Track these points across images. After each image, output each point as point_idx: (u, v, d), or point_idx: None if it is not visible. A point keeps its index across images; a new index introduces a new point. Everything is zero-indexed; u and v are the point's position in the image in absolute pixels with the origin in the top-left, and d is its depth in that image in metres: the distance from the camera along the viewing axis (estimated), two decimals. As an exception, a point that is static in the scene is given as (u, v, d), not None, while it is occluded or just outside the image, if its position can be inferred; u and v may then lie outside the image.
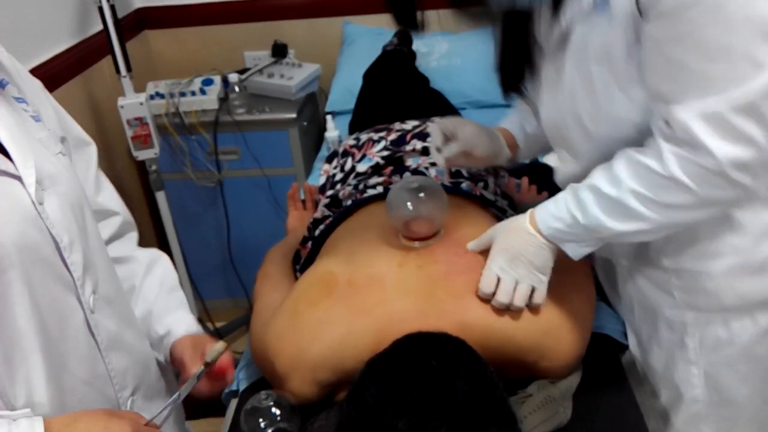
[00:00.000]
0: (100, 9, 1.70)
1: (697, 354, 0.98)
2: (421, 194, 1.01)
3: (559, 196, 0.94)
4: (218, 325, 2.44)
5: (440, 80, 2.08)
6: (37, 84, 0.90)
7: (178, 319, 1.00)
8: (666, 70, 0.79)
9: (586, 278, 1.11)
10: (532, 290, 0.95)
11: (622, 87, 0.86)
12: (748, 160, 0.77)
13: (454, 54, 2.20)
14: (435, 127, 1.12)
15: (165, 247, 2.21)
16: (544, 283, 0.96)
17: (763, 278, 0.91)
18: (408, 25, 1.01)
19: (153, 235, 2.37)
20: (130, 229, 1.05)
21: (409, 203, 1.01)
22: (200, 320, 2.16)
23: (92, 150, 0.99)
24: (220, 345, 0.94)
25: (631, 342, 1.14)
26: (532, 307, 0.96)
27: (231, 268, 2.38)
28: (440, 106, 1.84)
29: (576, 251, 0.94)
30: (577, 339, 0.99)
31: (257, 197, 2.27)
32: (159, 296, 1.02)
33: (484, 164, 1.17)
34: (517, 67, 1.02)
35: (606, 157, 0.90)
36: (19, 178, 0.73)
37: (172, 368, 1.01)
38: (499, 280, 0.95)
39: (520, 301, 0.94)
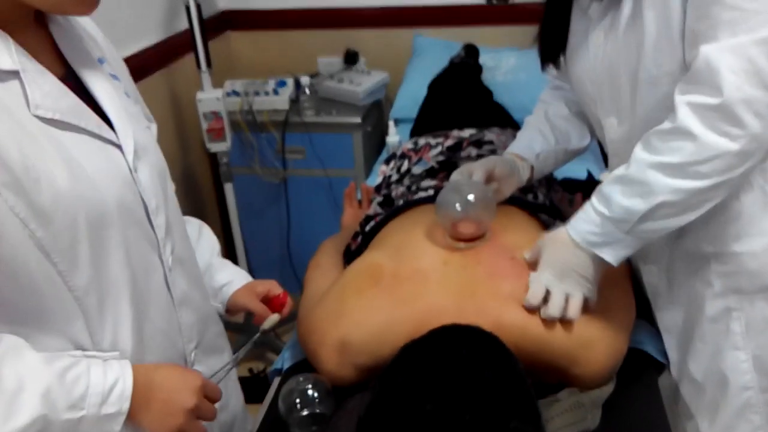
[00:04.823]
0: (187, 8, 1.83)
1: (744, 338, 0.99)
2: (470, 197, 1.06)
3: (588, 202, 0.97)
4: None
5: (505, 94, 2.11)
6: (123, 64, 1.01)
7: (236, 272, 1.15)
8: (704, 6, 0.82)
9: (626, 293, 1.12)
10: (585, 300, 0.98)
11: (670, 36, 0.88)
12: (759, 102, 0.79)
13: (521, 69, 2.23)
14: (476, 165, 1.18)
15: (228, 237, 2.33)
16: (594, 293, 0.99)
17: None
18: (551, 60, 1.12)
19: (219, 225, 2.49)
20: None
21: (457, 204, 1.05)
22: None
23: (154, 127, 1.09)
24: (275, 316, 1.07)
25: (671, 353, 1.13)
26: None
27: (288, 263, 2.47)
28: (501, 118, 1.87)
29: (613, 255, 0.95)
30: (611, 352, 1.00)
31: (318, 196, 2.36)
32: (213, 254, 1.15)
33: (509, 189, 1.20)
34: (558, 37, 1.08)
35: (651, 115, 0.92)
36: (119, 147, 0.83)
37: (226, 316, 1.14)
38: (548, 293, 0.97)
39: (574, 314, 0.96)
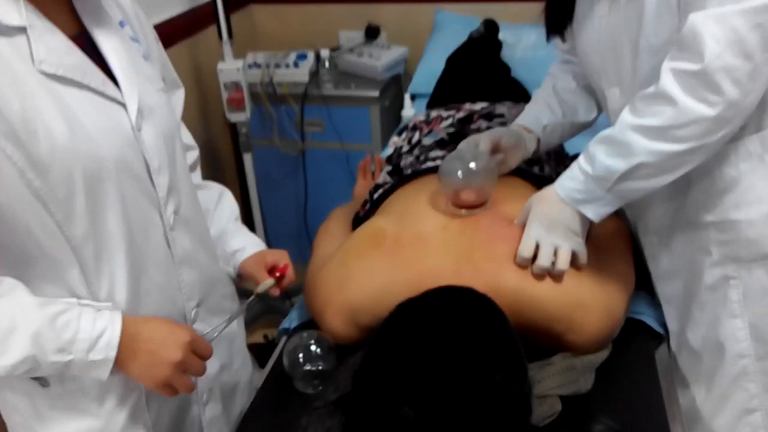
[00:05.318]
0: (210, -21, 1.87)
1: (741, 306, 1.01)
2: (472, 165, 1.08)
3: (575, 161, 1.00)
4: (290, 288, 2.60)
5: (523, 70, 2.11)
6: (150, 28, 1.04)
7: (250, 239, 1.18)
8: None
9: (625, 263, 1.14)
10: (574, 254, 1.01)
11: (669, 5, 0.90)
12: (738, 71, 0.81)
13: (541, 46, 2.22)
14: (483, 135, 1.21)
15: (247, 206, 2.38)
16: (583, 246, 1.01)
17: None
18: (557, 32, 1.14)
19: (238, 194, 2.54)
20: (198, 164, 1.20)
21: (459, 172, 1.08)
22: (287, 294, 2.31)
23: (181, 92, 1.12)
24: (270, 281, 1.09)
25: (670, 323, 1.15)
26: (568, 277, 1.01)
27: (305, 234, 2.52)
28: (517, 93, 1.88)
29: (595, 212, 0.98)
30: (606, 317, 1.02)
31: (335, 169, 2.39)
32: (229, 220, 1.18)
33: (515, 160, 1.22)
34: (564, 8, 1.09)
35: (651, 84, 0.94)
36: (123, 105, 0.86)
37: (238, 281, 1.17)
38: (537, 246, 1.00)
39: (563, 264, 0.99)
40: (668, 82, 0.87)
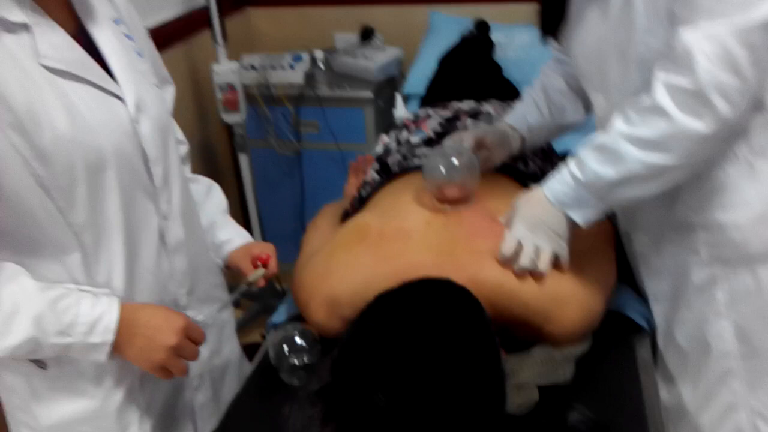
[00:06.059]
0: (203, -19, 1.90)
1: (727, 307, 1.02)
2: (454, 161, 1.10)
3: (565, 164, 1.01)
4: (285, 286, 2.62)
5: (516, 70, 2.13)
6: (142, 26, 1.07)
7: (237, 231, 1.21)
8: None
9: (606, 259, 1.16)
10: (556, 256, 1.02)
11: (661, 16, 0.91)
12: (730, 87, 0.83)
13: (533, 46, 2.22)
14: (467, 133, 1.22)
15: (244, 207, 2.41)
16: (566, 249, 1.03)
17: None
18: (550, 33, 1.13)
19: (235, 195, 2.57)
20: (189, 158, 1.23)
21: (442, 168, 1.10)
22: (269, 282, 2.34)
23: (172, 89, 1.16)
24: (260, 270, 1.12)
25: (658, 321, 1.16)
26: (549, 273, 1.02)
27: (302, 234, 2.51)
28: (508, 92, 1.90)
29: (582, 216, 1.00)
30: (585, 310, 1.04)
31: (332, 169, 2.41)
32: (218, 212, 1.22)
33: (499, 158, 1.24)
34: (558, 10, 1.09)
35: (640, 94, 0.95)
36: (121, 99, 0.90)
37: (227, 272, 1.21)
38: (520, 246, 1.02)
39: (544, 265, 1.01)
40: (662, 96, 0.88)
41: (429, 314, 0.82)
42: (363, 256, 1.08)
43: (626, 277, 1.22)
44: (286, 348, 1.08)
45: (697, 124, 0.86)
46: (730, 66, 0.82)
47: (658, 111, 0.89)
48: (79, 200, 0.84)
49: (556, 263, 1.03)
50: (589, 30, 1.04)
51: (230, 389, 1.21)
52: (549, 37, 1.17)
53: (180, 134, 1.19)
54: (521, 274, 1.02)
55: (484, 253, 1.04)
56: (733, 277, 1.01)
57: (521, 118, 1.28)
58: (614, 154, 0.94)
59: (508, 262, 1.02)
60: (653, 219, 1.10)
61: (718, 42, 0.82)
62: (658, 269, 1.14)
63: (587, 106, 1.27)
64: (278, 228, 2.57)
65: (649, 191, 0.95)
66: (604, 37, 1.01)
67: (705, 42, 0.83)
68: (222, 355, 1.19)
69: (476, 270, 1.02)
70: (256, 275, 1.11)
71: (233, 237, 1.21)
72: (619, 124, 0.95)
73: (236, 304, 2.32)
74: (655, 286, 1.16)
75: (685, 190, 1.02)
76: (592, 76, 1.09)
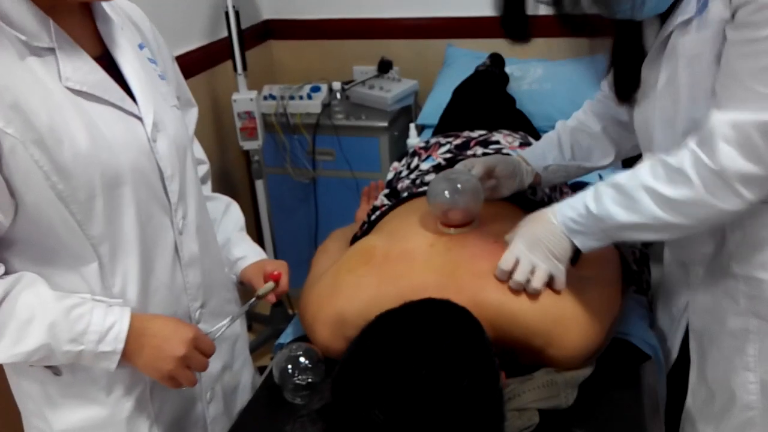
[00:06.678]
0: (227, 14, 1.97)
1: (756, 362, 1.02)
2: (459, 185, 1.12)
3: (581, 192, 1.02)
4: (296, 310, 2.63)
5: (529, 103, 2.16)
6: (168, 52, 1.13)
7: (252, 248, 1.24)
8: (725, 73, 0.87)
9: (610, 283, 1.16)
10: (551, 277, 1.03)
11: (705, 92, 0.92)
12: (754, 177, 0.84)
13: (547, 80, 2.28)
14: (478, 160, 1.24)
15: (259, 232, 2.45)
16: (562, 271, 1.03)
17: None
18: (514, 35, 1.05)
19: (252, 220, 2.61)
20: (209, 177, 1.27)
21: (446, 192, 1.13)
22: (280, 303, 2.37)
23: (195, 111, 1.20)
24: (270, 284, 1.14)
25: (693, 354, 1.15)
26: (548, 294, 1.03)
27: (315, 260, 2.57)
28: (521, 124, 1.92)
29: (584, 244, 1.01)
30: (587, 333, 1.04)
31: (346, 197, 2.44)
32: (235, 229, 1.25)
33: (508, 189, 1.25)
34: (632, 76, 1.07)
35: None
36: (140, 119, 0.94)
37: (240, 287, 1.24)
38: (517, 262, 1.03)
39: (538, 282, 1.02)
40: (689, 166, 0.89)
41: (427, 334, 0.83)
42: (368, 277, 1.10)
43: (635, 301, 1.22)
44: (290, 367, 1.09)
45: (718, 203, 0.88)
46: (752, 154, 0.84)
47: (683, 176, 0.90)
48: (96, 214, 0.88)
49: (550, 285, 1.03)
50: (652, 96, 1.03)
51: (242, 403, 1.22)
52: (624, 103, 1.12)
53: (202, 154, 1.24)
54: (516, 289, 1.03)
55: (485, 275, 1.05)
56: (766, 335, 1.00)
57: (540, 155, 1.29)
58: (631, 199, 0.95)
59: (505, 277, 1.03)
60: (704, 256, 1.08)
61: (743, 131, 0.84)
62: (703, 304, 1.12)
63: (622, 151, 1.27)
64: (292, 253, 2.59)
65: (654, 239, 0.97)
66: (651, 103, 1.03)
67: (730, 129, 0.85)
68: (234, 370, 1.21)
69: (477, 291, 1.03)
70: (266, 289, 1.13)
71: (248, 253, 1.23)
72: (644, 173, 0.95)
73: (249, 325, 2.34)
74: (697, 320, 1.14)
75: (729, 239, 1.01)
76: (642, 137, 1.10)
